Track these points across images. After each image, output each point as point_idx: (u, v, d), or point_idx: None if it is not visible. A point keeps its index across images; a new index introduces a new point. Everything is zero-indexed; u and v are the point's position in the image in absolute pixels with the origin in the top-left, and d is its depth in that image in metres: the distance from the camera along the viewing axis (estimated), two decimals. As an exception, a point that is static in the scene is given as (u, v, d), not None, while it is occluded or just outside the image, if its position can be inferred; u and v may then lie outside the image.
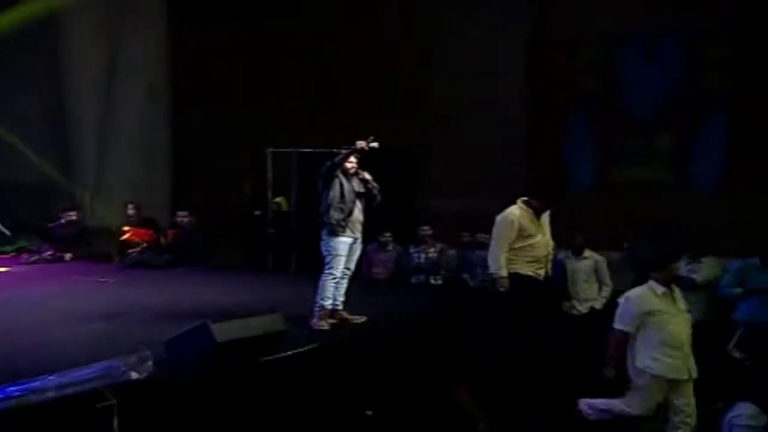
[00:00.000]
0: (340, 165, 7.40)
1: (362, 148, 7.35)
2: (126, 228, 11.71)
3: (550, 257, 7.89)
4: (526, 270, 7.61)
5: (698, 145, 12.37)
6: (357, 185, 7.50)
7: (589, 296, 9.27)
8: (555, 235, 8.07)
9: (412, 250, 10.19)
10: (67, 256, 11.56)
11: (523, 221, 7.66)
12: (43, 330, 7.20)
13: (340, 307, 7.65)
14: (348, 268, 7.58)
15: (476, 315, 8.25)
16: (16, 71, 13.22)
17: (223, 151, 12.84)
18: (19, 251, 11.63)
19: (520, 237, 7.64)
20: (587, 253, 9.28)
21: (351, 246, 7.51)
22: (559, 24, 12.90)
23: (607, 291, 9.03)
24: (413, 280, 9.98)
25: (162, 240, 11.20)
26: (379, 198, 7.57)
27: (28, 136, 12.81)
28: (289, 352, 6.60)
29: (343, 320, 7.62)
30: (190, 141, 13.75)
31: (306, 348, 6.79)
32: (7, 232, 11.86)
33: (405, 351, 7.25)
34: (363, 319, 7.67)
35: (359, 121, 11.98)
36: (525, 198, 7.86)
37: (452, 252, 9.92)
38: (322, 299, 7.47)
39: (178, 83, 13.89)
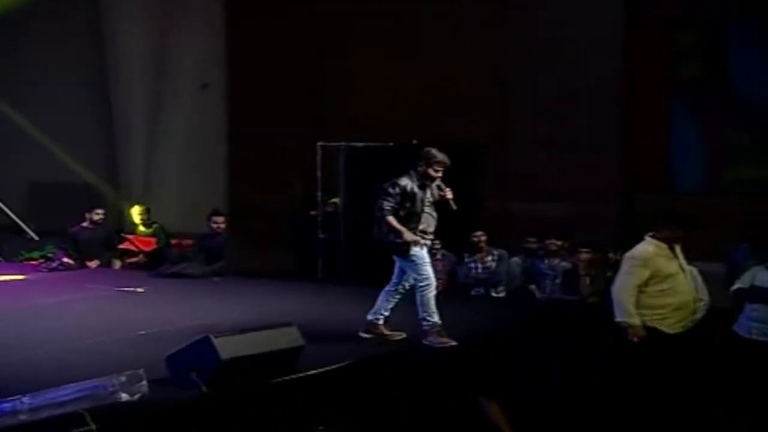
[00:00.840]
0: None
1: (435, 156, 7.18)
2: (129, 235, 11.42)
3: (699, 305, 7.06)
4: (666, 326, 6.66)
5: None
6: (433, 193, 7.26)
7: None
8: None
9: (466, 259, 9.56)
10: (93, 263, 11.06)
11: (658, 262, 6.67)
12: (39, 345, 6.87)
13: (381, 322, 7.30)
14: (408, 283, 7.27)
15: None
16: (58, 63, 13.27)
17: (276, 148, 12.52)
18: (46, 258, 11.13)
19: (656, 281, 6.75)
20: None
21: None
22: (658, 3, 12.28)
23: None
24: (473, 292, 9.33)
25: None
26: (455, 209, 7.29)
27: (66, 133, 12.76)
28: (309, 372, 6.09)
29: (382, 335, 7.25)
30: (245, 139, 13.49)
31: (330, 367, 6.28)
32: (35, 237, 11.69)
33: (450, 371, 6.67)
34: (402, 335, 7.23)
35: (421, 116, 12.10)
36: (653, 232, 6.82)
37: (515, 260, 9.21)
38: (429, 315, 7.07)
39: (233, 79, 13.71)
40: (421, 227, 7.13)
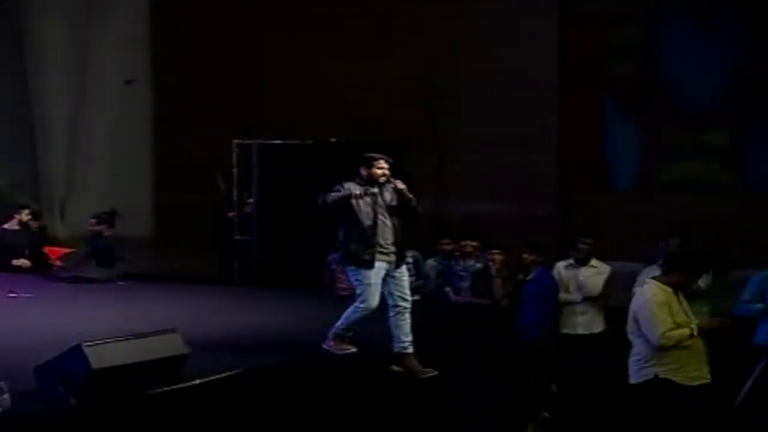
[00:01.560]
0: (331, 206, 6.71)
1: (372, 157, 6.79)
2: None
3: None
4: (682, 377, 5.84)
5: (758, 139, 11.58)
6: (388, 196, 6.75)
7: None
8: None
9: None
10: (20, 262, 10.71)
11: (673, 305, 5.86)
12: None
13: (410, 350, 6.75)
14: (403, 299, 6.76)
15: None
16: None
17: (201, 147, 12.22)
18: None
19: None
20: (595, 262, 8.24)
21: (387, 272, 6.70)
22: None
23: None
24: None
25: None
26: (419, 210, 6.91)
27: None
28: (193, 382, 5.82)
29: (411, 370, 6.71)
30: (171, 138, 13.19)
31: (217, 376, 6.00)
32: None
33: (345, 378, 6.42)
34: (433, 372, 6.71)
35: (348, 114, 11.85)
36: (657, 274, 6.18)
37: (430, 262, 8.98)
38: (342, 326, 6.71)
39: (157, 75, 13.38)
40: (378, 240, 6.60)
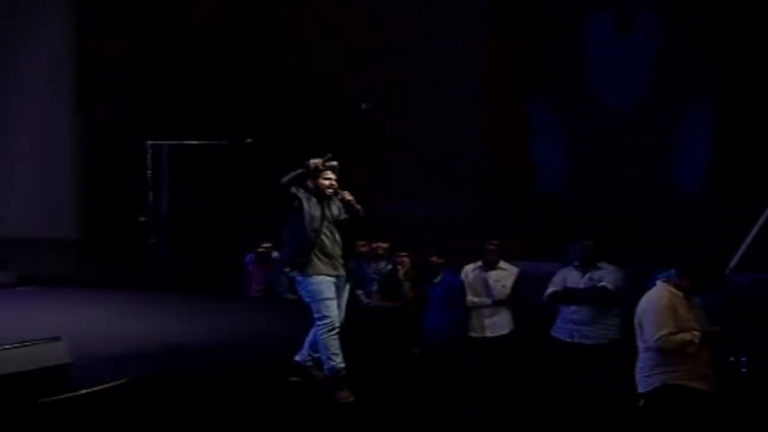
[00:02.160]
0: (286, 188, 6.32)
1: (317, 167, 6.35)
2: None
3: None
4: (690, 384, 5.71)
5: (681, 141, 11.49)
6: (336, 210, 6.51)
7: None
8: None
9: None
10: None
11: (680, 310, 5.75)
12: None
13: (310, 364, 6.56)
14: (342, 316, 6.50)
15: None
16: None
17: (124, 147, 12.04)
18: None
19: None
20: (503, 264, 8.28)
21: (336, 286, 6.43)
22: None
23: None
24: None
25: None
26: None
27: None
28: (78, 392, 5.64)
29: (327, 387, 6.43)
30: (96, 139, 12.94)
31: (103, 386, 5.83)
32: None
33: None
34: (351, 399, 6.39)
35: (269, 111, 11.71)
36: (668, 276, 5.92)
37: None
38: (329, 359, 6.32)
39: (82, 75, 13.09)
40: (327, 251, 6.37)
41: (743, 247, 7.75)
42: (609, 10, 11.82)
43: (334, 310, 6.34)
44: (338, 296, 6.44)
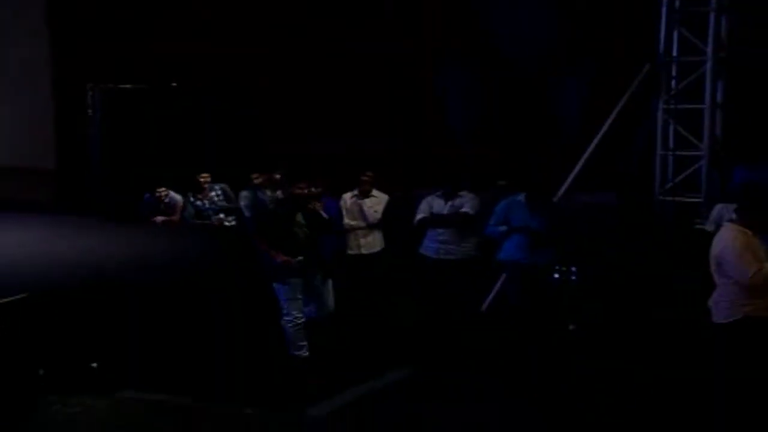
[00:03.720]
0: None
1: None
2: None
3: None
4: None
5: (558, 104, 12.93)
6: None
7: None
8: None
9: (191, 198, 10.85)
10: None
11: (752, 246, 5.99)
12: None
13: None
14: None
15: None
16: None
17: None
18: None
19: None
20: (375, 192, 9.74)
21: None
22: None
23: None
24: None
25: None
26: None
27: None
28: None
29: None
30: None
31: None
32: None
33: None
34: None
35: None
36: (735, 217, 6.23)
37: (244, 193, 10.38)
38: (296, 350, 7.53)
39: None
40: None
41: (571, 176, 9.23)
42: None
43: (295, 311, 7.51)
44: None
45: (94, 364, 6.65)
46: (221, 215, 10.24)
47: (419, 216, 9.07)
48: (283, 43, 12.99)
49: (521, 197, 8.46)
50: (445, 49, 13.63)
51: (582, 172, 9.17)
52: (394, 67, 13.40)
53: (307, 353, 7.52)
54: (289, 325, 7.50)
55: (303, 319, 7.58)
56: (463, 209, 8.96)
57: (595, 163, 9.31)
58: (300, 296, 7.58)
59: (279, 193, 9.94)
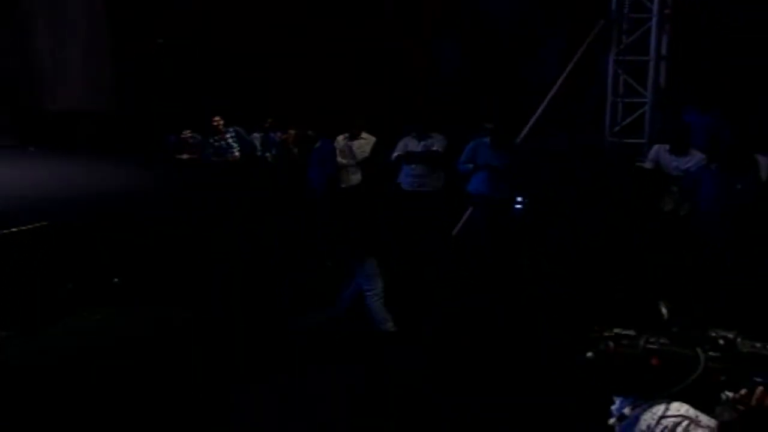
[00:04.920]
0: None
1: None
2: None
3: None
4: None
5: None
6: None
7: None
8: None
9: (210, 139, 12.30)
10: None
11: None
12: None
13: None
14: None
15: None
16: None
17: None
18: None
19: None
20: (364, 134, 11.19)
21: None
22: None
23: None
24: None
25: None
26: None
27: None
28: None
29: None
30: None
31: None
32: None
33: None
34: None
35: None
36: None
37: (255, 135, 11.89)
38: (382, 324, 7.61)
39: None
40: None
41: (531, 122, 10.61)
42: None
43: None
44: None
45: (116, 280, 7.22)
46: (236, 153, 11.79)
47: (395, 153, 10.43)
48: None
49: (487, 139, 9.89)
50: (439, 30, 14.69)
51: (542, 118, 10.52)
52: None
53: (395, 328, 7.61)
54: (375, 299, 7.57)
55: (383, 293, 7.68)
56: (434, 148, 10.29)
57: (555, 110, 10.67)
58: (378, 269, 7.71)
59: (280, 135, 11.60)
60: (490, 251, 9.71)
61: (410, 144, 10.34)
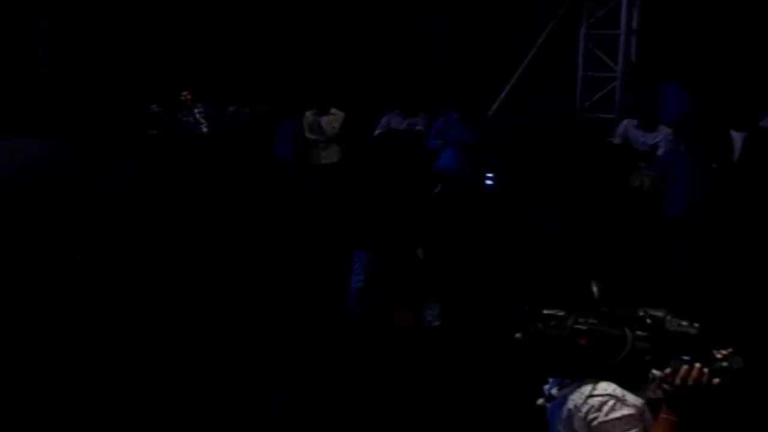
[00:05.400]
0: None
1: None
2: None
3: None
4: None
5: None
6: None
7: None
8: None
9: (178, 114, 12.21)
10: None
11: None
12: None
13: None
14: None
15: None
16: None
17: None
18: None
19: None
20: (333, 110, 11.13)
21: None
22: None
23: None
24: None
25: None
26: None
27: None
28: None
29: None
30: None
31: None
32: None
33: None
34: None
35: None
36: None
37: (231, 109, 11.78)
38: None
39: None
40: None
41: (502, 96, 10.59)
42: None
43: None
44: None
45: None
46: (204, 129, 11.72)
47: (378, 130, 10.45)
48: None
49: (456, 114, 9.87)
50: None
51: (513, 93, 10.53)
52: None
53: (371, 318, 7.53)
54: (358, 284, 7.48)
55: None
56: (418, 126, 10.35)
57: (526, 85, 10.68)
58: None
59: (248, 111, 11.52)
60: (462, 229, 9.72)
61: (393, 121, 10.35)
